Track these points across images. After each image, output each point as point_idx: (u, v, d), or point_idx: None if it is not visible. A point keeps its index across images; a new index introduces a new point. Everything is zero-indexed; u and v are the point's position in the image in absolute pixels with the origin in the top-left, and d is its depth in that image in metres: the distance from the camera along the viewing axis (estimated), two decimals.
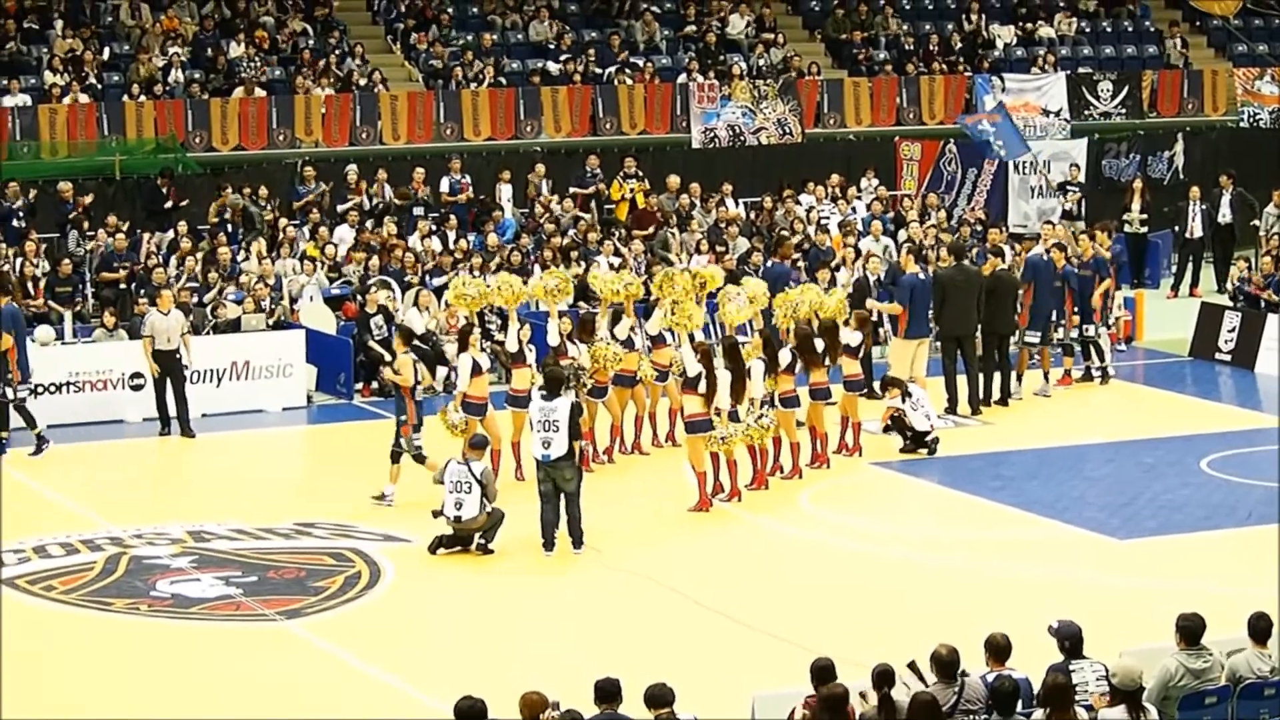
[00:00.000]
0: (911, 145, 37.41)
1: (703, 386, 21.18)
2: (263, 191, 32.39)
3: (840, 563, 19.83)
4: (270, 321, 27.70)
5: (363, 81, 35.99)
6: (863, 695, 12.49)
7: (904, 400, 24.00)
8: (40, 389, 25.61)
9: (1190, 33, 43.64)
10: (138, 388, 26.01)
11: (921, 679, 12.62)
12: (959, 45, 41.03)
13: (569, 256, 30.93)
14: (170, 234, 30.94)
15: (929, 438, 23.87)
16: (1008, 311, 26.49)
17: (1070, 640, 13.16)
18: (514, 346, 22.94)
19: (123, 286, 29.43)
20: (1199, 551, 20.03)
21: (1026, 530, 20.81)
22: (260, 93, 35.16)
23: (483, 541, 19.83)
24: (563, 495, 19.74)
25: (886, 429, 24.11)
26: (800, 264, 29.96)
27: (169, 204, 32.05)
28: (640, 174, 34.89)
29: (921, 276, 26.35)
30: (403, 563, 19.62)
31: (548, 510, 19.81)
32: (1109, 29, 43.39)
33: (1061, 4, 43.23)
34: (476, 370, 22.30)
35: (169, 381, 25.17)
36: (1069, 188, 36.09)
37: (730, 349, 21.65)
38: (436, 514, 19.85)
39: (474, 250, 31.10)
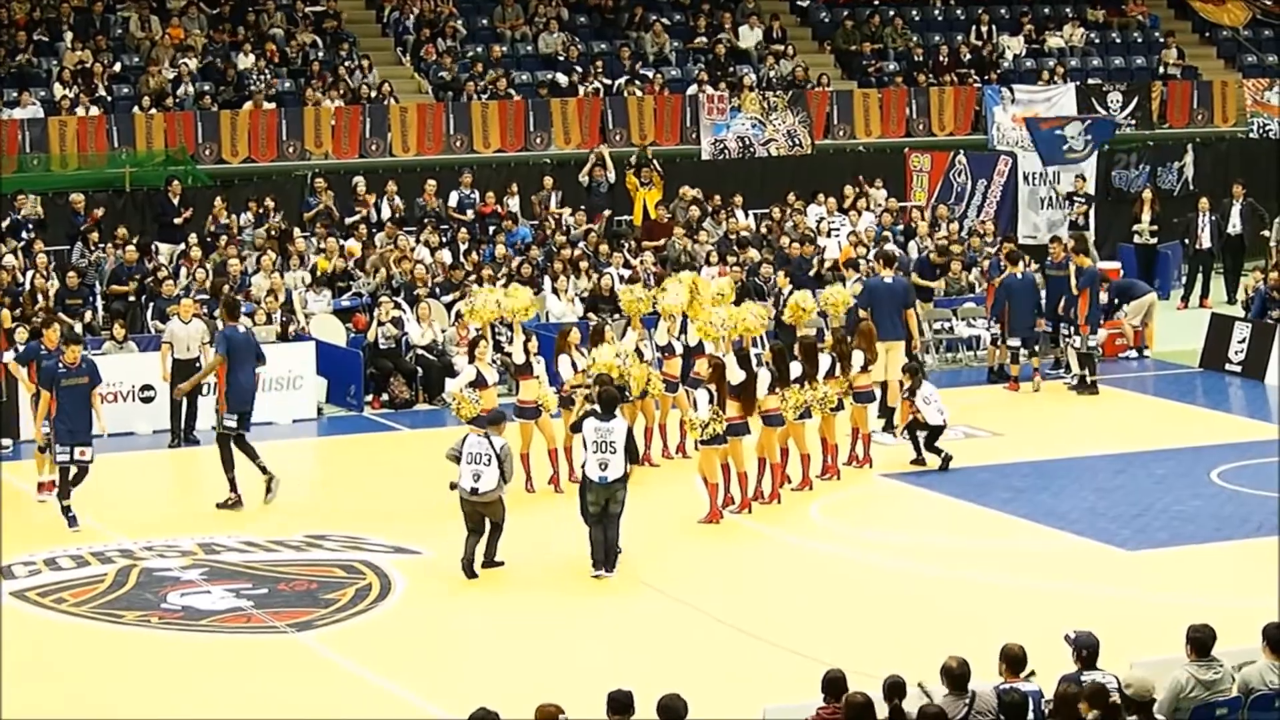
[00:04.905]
0: (921, 156, 37.37)
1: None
2: (269, 203, 32.38)
3: (851, 574, 19.82)
4: (280, 334, 27.73)
5: (372, 94, 36.02)
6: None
7: (914, 396, 23.90)
8: None
9: (1200, 44, 43.64)
10: (148, 400, 26.01)
11: (928, 698, 12.59)
12: (968, 56, 41.02)
13: (579, 268, 30.95)
14: (181, 246, 30.94)
15: (940, 442, 23.77)
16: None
17: (1087, 650, 13.12)
18: (521, 358, 22.97)
19: (132, 299, 29.44)
20: (1209, 563, 20.02)
21: (1037, 541, 20.78)
22: (270, 105, 35.20)
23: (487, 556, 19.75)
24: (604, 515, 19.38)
25: (908, 428, 24.00)
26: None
27: (179, 218, 32.02)
28: (655, 161, 34.90)
29: (888, 280, 26.37)
30: (414, 575, 19.60)
31: (597, 531, 19.35)
32: (1118, 40, 43.37)
33: (1070, 14, 43.23)
34: (482, 383, 22.33)
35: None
36: (1076, 198, 36.00)
37: (742, 359, 21.63)
38: (453, 486, 19.49)
39: (484, 262, 31.09)
